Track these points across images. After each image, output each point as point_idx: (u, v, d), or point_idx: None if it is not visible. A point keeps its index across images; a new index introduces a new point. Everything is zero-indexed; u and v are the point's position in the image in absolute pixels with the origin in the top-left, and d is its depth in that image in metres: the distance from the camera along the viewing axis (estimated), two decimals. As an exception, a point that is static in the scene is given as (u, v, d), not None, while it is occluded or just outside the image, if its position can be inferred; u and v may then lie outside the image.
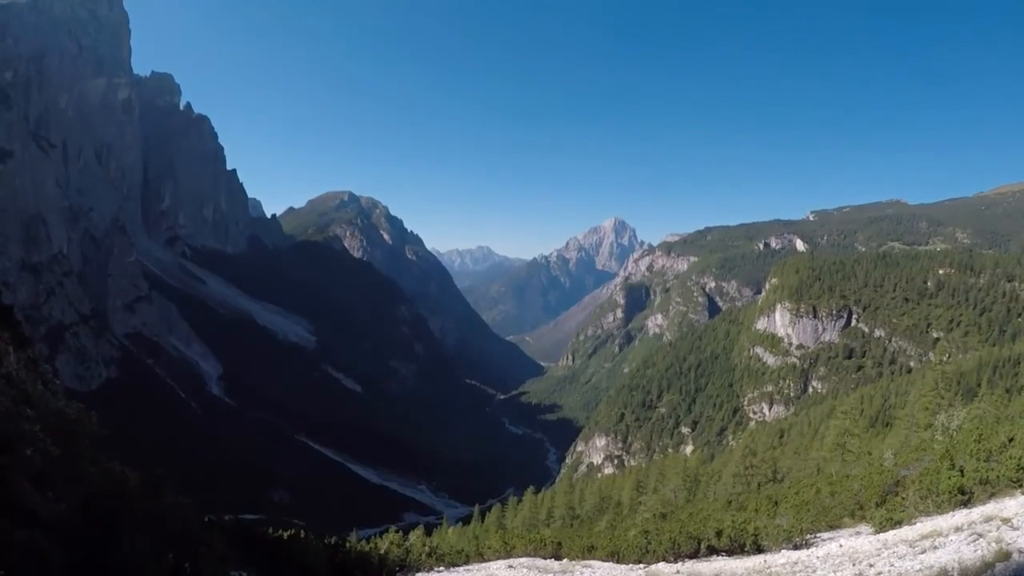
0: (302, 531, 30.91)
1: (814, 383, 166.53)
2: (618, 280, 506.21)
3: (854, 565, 13.98)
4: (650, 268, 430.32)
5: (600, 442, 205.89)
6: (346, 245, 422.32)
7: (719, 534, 21.87)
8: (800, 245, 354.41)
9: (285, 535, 26.01)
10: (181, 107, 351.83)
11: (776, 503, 29.84)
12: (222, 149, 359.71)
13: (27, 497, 7.94)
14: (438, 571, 25.64)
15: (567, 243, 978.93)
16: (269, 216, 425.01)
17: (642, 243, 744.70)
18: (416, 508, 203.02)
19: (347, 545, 28.94)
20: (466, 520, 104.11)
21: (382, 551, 30.04)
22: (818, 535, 20.96)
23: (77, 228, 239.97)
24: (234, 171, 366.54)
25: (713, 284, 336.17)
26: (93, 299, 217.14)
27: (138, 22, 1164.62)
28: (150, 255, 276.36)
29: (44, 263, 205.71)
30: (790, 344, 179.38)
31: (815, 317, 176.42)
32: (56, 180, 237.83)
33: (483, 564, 26.44)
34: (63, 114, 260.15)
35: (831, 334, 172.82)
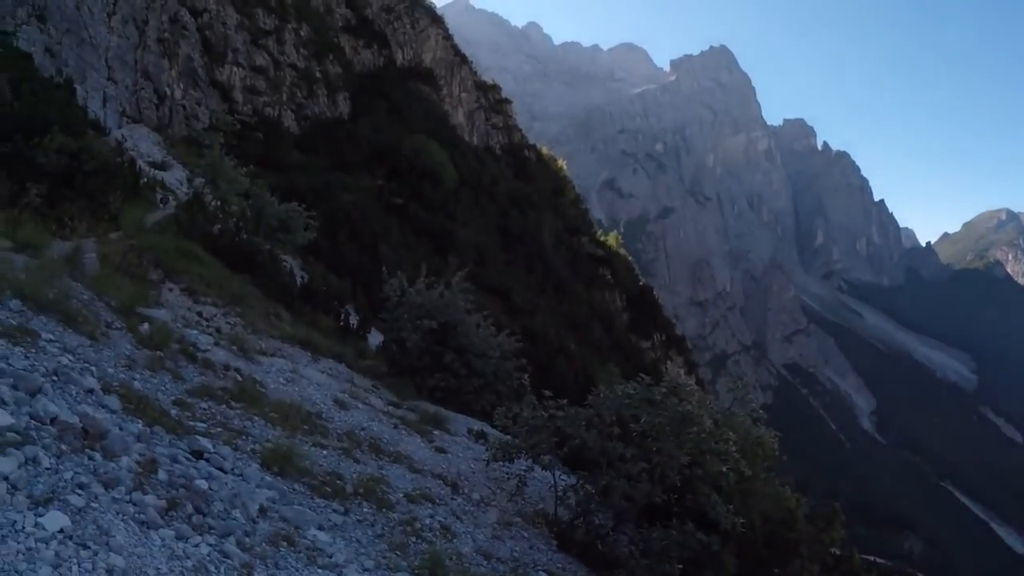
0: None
1: None
2: None
3: None
4: None
5: None
6: (1008, 271, 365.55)
7: None
8: None
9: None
10: (819, 147, 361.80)
11: None
12: (867, 181, 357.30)
13: (712, 508, 8.75)
14: None
15: None
16: (923, 244, 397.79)
17: None
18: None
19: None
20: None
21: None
22: None
23: (738, 268, 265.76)
24: (882, 202, 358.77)
25: None
26: (754, 331, 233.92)
27: (764, 76, 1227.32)
28: (807, 290, 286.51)
29: (709, 299, 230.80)
30: None
31: None
32: (715, 228, 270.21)
33: None
34: (712, 171, 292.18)
35: None
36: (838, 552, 11.33)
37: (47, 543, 3.95)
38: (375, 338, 19.08)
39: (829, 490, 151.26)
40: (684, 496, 9.08)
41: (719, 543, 8.53)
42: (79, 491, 4.64)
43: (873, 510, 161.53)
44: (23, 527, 3.98)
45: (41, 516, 4.12)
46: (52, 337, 7.62)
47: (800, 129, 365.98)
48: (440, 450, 10.86)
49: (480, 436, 12.22)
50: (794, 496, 10.70)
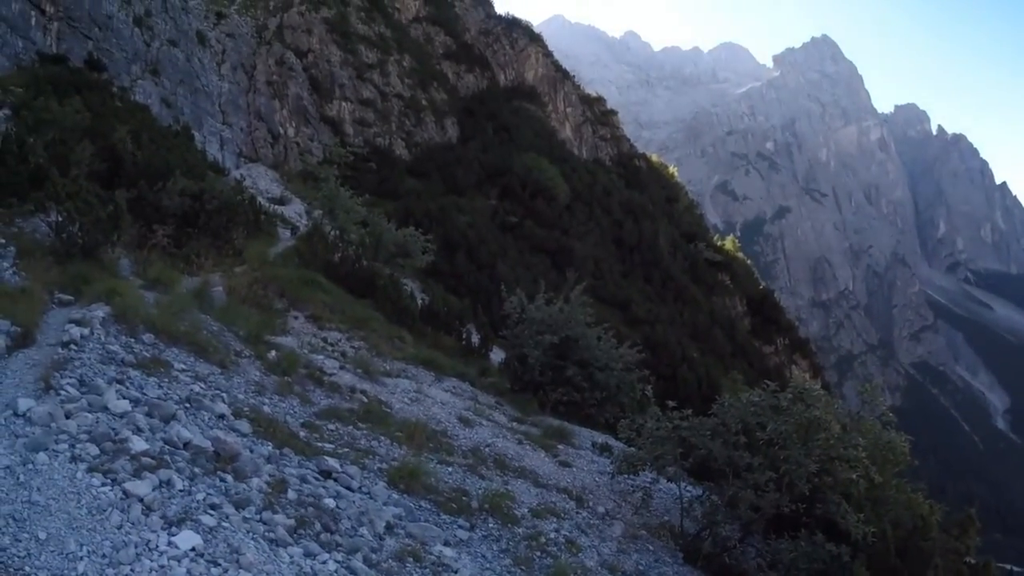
0: None
1: None
2: None
3: None
4: None
5: None
6: None
7: None
8: None
9: None
10: (934, 132, 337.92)
11: None
12: (986, 164, 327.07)
13: (841, 516, 8.60)
14: None
15: None
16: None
17: None
18: None
19: None
20: None
21: None
22: None
23: (859, 265, 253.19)
24: (1004, 184, 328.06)
25: None
26: (879, 330, 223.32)
27: (868, 62, 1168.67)
28: (932, 284, 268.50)
29: (832, 299, 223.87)
30: None
31: None
32: (833, 224, 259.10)
33: None
34: (825, 166, 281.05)
35: None
36: (973, 561, 10.65)
37: (179, 560, 4.05)
38: (497, 356, 19.24)
39: (963, 494, 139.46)
40: (813, 505, 8.85)
41: (849, 554, 8.31)
42: (211, 511, 4.78)
43: (1009, 516, 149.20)
44: (157, 546, 4.10)
45: (174, 535, 4.25)
46: (184, 367, 7.98)
47: (913, 114, 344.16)
48: (564, 464, 10.75)
49: (604, 449, 12.02)
50: (927, 503, 10.28)
